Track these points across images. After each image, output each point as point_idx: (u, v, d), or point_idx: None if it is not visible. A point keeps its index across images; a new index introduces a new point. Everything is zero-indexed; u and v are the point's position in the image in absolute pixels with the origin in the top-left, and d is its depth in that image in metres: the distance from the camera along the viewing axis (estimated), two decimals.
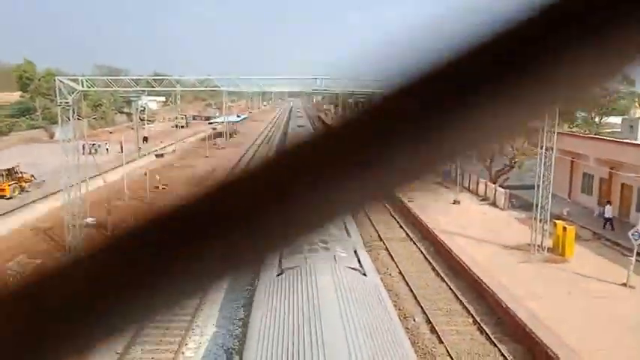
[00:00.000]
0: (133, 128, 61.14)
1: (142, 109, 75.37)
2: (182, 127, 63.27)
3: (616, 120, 51.84)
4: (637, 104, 54.80)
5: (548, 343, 14.61)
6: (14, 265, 18.88)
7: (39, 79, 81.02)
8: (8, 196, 34.50)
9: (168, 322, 16.85)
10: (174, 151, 55.12)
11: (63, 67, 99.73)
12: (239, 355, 14.10)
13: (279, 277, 10.67)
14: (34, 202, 32.98)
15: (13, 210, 30.98)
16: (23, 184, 37.06)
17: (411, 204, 33.21)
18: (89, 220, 26.69)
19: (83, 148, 32.29)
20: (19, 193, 36.01)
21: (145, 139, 63.64)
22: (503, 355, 15.32)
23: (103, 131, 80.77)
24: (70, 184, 22.06)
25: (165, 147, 61.32)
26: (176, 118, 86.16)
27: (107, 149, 57.06)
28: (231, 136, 77.51)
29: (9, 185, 35.62)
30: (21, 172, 37.71)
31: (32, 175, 38.34)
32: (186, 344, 16.05)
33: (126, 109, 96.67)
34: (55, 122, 31.60)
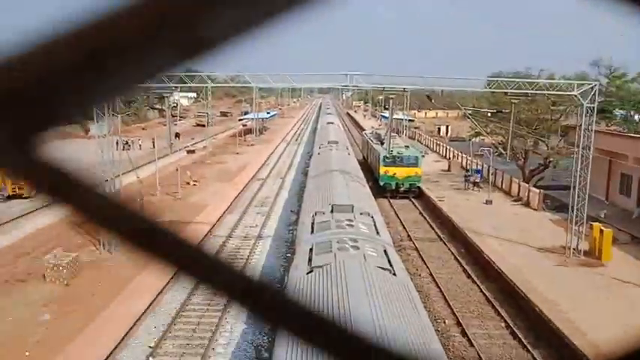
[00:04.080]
0: (165, 124, 62.03)
1: (174, 105, 76.36)
2: (203, 125, 63.67)
3: None
4: None
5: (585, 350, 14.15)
6: (51, 257, 19.32)
7: None
8: (25, 195, 32.60)
9: (199, 317, 17.04)
10: (205, 147, 55.71)
11: None
12: (269, 353, 14.08)
13: (309, 274, 10.59)
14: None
15: (42, 207, 31.38)
16: None
17: (441, 203, 32.72)
18: None
19: (117, 143, 32.84)
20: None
21: (177, 135, 64.48)
22: None
23: (135, 127, 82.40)
24: (105, 179, 22.47)
25: (196, 143, 62.08)
26: (198, 116, 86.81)
27: (140, 145, 58.07)
28: (261, 132, 77.90)
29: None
30: None
31: None
32: (216, 340, 16.13)
33: (158, 106, 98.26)
34: (91, 118, 32.30)
